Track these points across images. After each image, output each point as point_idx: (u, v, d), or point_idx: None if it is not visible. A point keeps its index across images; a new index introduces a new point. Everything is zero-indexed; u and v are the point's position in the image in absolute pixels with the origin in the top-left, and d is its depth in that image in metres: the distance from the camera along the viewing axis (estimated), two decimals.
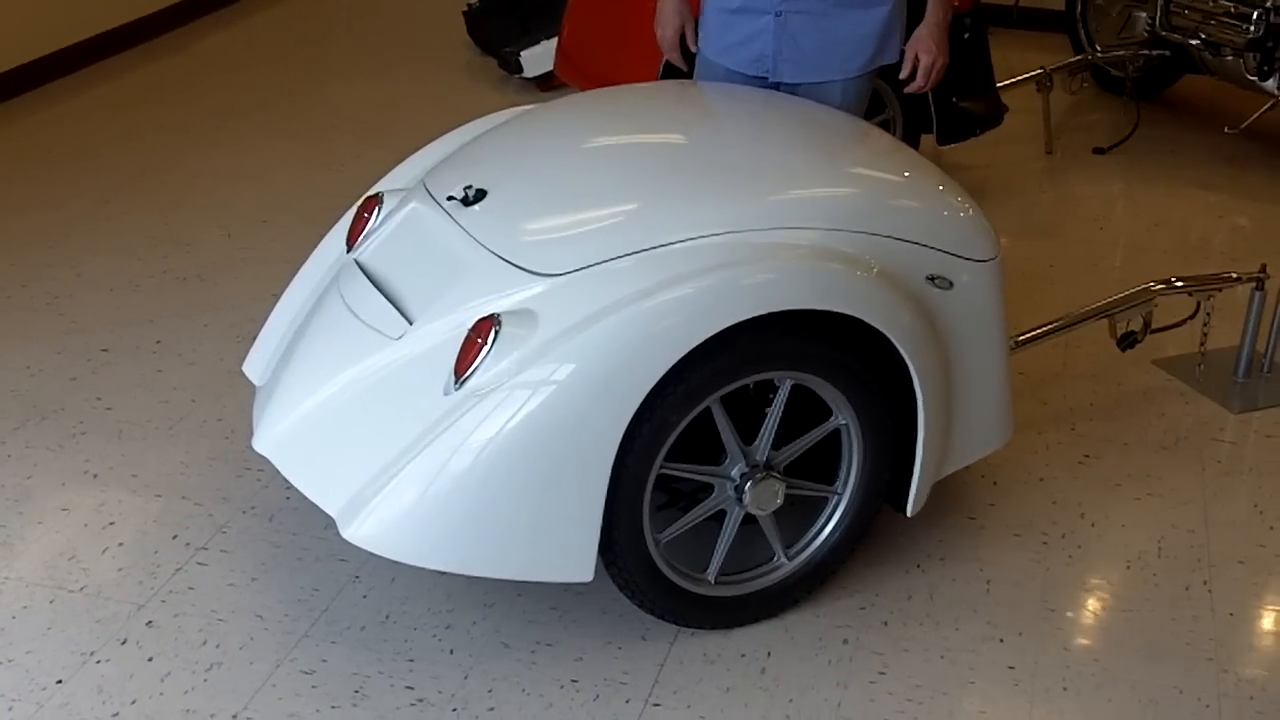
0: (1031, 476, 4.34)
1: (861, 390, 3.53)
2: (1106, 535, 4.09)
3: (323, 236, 4.12)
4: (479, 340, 3.28)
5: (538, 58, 7.71)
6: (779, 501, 3.57)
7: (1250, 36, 6.71)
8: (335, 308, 3.66)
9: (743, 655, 3.58)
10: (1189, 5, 7.07)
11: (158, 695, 3.40)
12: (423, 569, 3.35)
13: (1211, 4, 6.93)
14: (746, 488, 3.52)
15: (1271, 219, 6.40)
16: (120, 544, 3.93)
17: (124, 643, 3.57)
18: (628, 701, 3.43)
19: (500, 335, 3.26)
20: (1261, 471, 4.42)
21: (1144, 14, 7.53)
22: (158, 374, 4.83)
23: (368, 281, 3.65)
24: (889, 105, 6.09)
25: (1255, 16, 6.67)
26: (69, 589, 3.75)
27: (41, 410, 4.58)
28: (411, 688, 3.45)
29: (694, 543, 3.62)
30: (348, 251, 3.89)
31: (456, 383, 3.28)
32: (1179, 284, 4.71)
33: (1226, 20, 6.86)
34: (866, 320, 3.42)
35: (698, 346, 3.24)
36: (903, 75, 4.22)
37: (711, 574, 3.60)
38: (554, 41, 7.33)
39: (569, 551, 3.32)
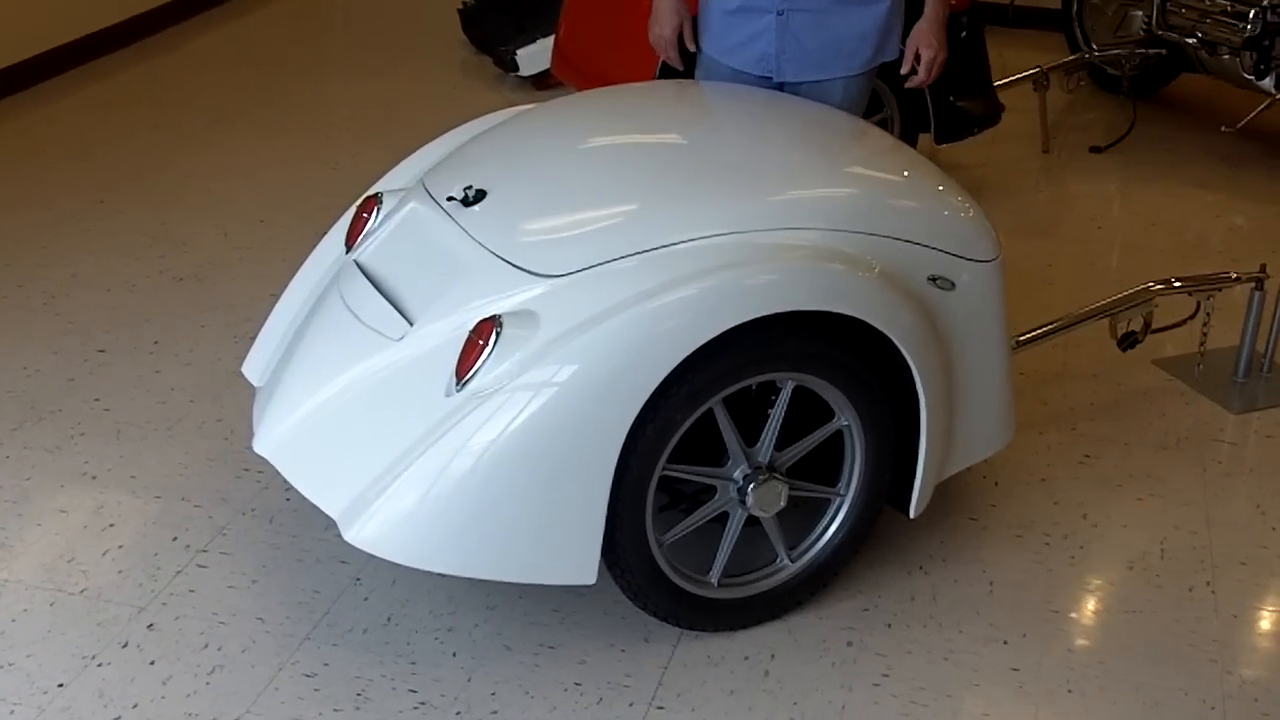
0: (1033, 477, 4.33)
1: (863, 391, 3.52)
2: (1108, 536, 4.08)
3: (319, 236, 4.11)
4: (480, 342, 3.26)
5: (533, 56, 7.70)
6: (782, 503, 3.56)
7: (1247, 35, 6.71)
8: (335, 309, 3.65)
9: (746, 658, 3.57)
10: (1185, 4, 7.06)
11: (159, 699, 3.39)
12: (424, 571, 3.33)
13: (1208, 3, 6.93)
14: (749, 489, 3.51)
15: (1268, 218, 6.40)
16: (120, 546, 3.92)
17: (125, 646, 3.55)
18: (631, 704, 3.42)
19: (502, 337, 3.25)
20: (1262, 472, 4.41)
21: (1140, 12, 7.53)
22: (155, 374, 4.81)
23: (367, 282, 3.64)
24: (887, 104, 6.09)
25: (1252, 15, 6.67)
26: (69, 591, 3.73)
27: (39, 411, 4.56)
28: (414, 691, 3.44)
29: (696, 545, 3.61)
30: (347, 252, 3.88)
31: (458, 384, 3.27)
32: (1178, 284, 4.70)
33: (1223, 19, 6.86)
34: (868, 321, 3.41)
35: (700, 348, 3.23)
36: (904, 71, 4.22)
37: (714, 576, 3.59)
38: (550, 40, 7.31)
39: (571, 554, 3.31)
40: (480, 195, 3.58)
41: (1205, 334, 4.86)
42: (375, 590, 3.77)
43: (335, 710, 3.37)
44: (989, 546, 4.02)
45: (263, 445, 3.54)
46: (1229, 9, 6.82)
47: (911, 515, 3.70)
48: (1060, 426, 4.62)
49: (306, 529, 3.98)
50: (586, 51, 6.72)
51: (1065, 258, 5.91)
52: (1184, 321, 4.84)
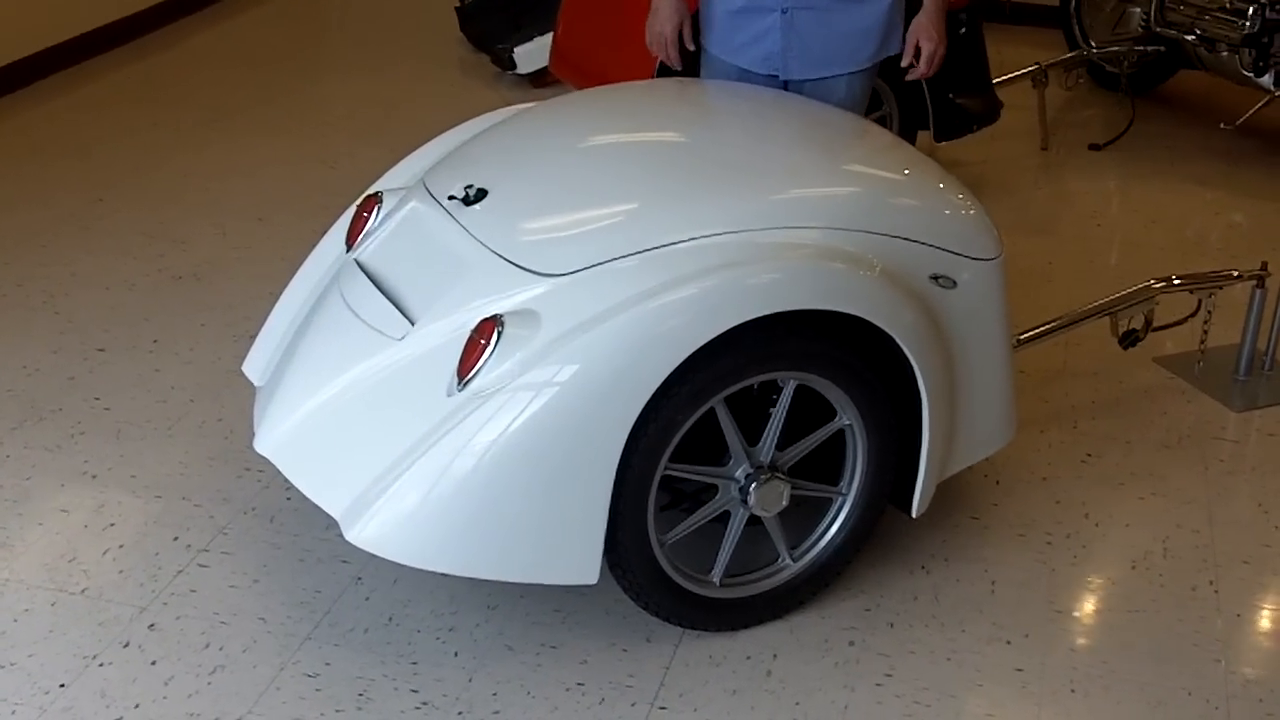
0: (1034, 476, 4.33)
1: (865, 390, 3.52)
2: (1111, 535, 4.08)
3: (318, 235, 4.10)
4: (482, 341, 3.26)
5: (531, 54, 7.69)
6: (784, 502, 3.55)
7: (1246, 32, 6.71)
8: (336, 308, 3.64)
9: (748, 657, 3.57)
10: (1184, 0, 7.06)
11: (161, 699, 3.38)
12: (425, 571, 3.32)
13: None
14: (751, 489, 3.51)
15: (1267, 215, 6.39)
16: (121, 546, 3.91)
17: (126, 646, 3.55)
18: (633, 705, 3.41)
19: (503, 336, 3.24)
20: (1264, 470, 4.41)
21: (1139, 9, 7.51)
22: (155, 373, 4.80)
23: (368, 281, 3.63)
24: (886, 102, 6.09)
25: (1251, 12, 6.68)
26: (70, 591, 3.73)
27: (39, 410, 4.55)
28: (416, 691, 3.43)
29: (698, 544, 3.60)
30: (347, 251, 3.87)
31: (459, 384, 3.26)
32: (1179, 282, 4.69)
33: (1222, 15, 6.86)
34: (870, 320, 3.40)
35: (702, 347, 3.23)
36: (904, 63, 4.22)
37: (716, 575, 3.58)
38: (547, 38, 7.31)
39: (574, 554, 3.30)
40: (481, 194, 3.58)
41: (1206, 332, 4.86)
42: (376, 590, 3.76)
43: (337, 710, 3.36)
44: (991, 546, 4.01)
45: (264, 445, 3.53)
46: (1228, 6, 6.82)
47: (914, 514, 3.70)
48: (1061, 425, 4.62)
49: (307, 528, 3.97)
50: (585, 49, 6.71)
51: (1064, 255, 5.90)
52: (1186, 319, 4.83)
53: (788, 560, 3.66)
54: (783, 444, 3.54)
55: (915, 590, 3.82)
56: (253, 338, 4.01)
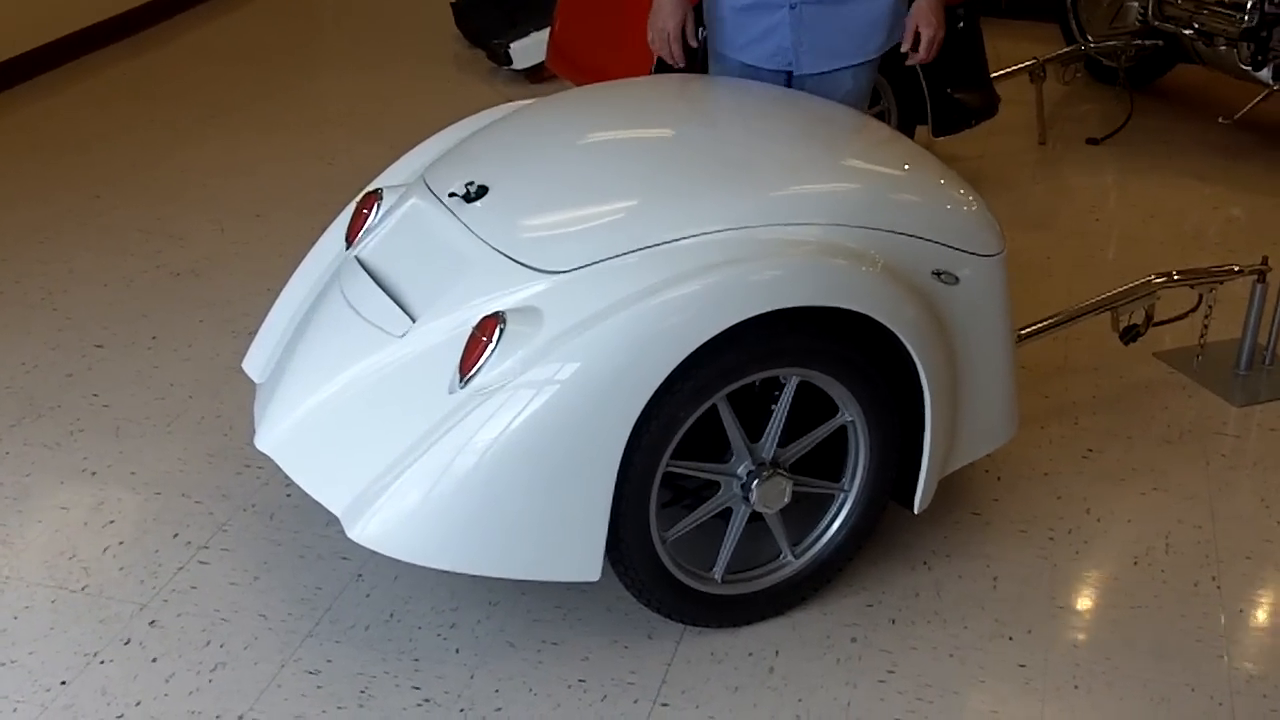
0: (1035, 471, 4.33)
1: (868, 386, 3.51)
2: (1112, 531, 4.07)
3: (316, 231, 4.09)
4: (484, 338, 3.25)
5: (527, 50, 7.69)
6: (786, 499, 3.55)
7: (1244, 26, 6.71)
8: (337, 305, 3.63)
9: (750, 654, 3.56)
10: None
11: (162, 696, 3.38)
12: (425, 567, 3.32)
13: None
14: (753, 485, 3.50)
15: (1265, 210, 6.39)
16: (121, 542, 3.90)
17: (127, 643, 3.54)
18: (635, 701, 3.41)
19: (505, 333, 3.23)
20: (1266, 465, 4.40)
21: (1136, 3, 7.51)
22: (154, 370, 4.79)
23: (369, 278, 3.62)
24: (884, 97, 6.08)
25: (1249, 6, 6.67)
26: (70, 588, 3.72)
27: (38, 407, 4.54)
28: (418, 688, 3.42)
29: (700, 541, 3.59)
30: (347, 248, 3.86)
31: (461, 381, 3.25)
32: (1180, 277, 4.69)
33: (1220, 10, 6.86)
34: (872, 316, 3.40)
35: (704, 344, 3.22)
36: (904, 48, 4.22)
37: (718, 572, 3.58)
38: (543, 33, 7.30)
39: (576, 550, 3.30)
40: (482, 191, 3.57)
41: (1206, 326, 4.85)
42: (377, 587, 3.75)
43: (339, 708, 3.35)
44: (993, 541, 4.01)
45: (265, 442, 3.52)
46: (1226, 0, 6.81)
47: (916, 510, 3.69)
48: (1062, 420, 4.61)
49: (307, 525, 3.97)
50: (583, 45, 6.70)
51: (1062, 250, 5.90)
52: (1187, 314, 4.83)
53: (789, 557, 3.65)
54: (785, 440, 3.54)
55: (917, 586, 3.82)
56: (251, 334, 4.00)
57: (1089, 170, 6.85)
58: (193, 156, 6.71)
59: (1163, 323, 4.71)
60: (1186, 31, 7.04)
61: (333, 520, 3.37)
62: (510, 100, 4.40)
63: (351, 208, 3.97)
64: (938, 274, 3.56)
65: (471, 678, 3.46)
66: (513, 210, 3.53)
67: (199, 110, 7.35)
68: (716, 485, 3.55)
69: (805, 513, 3.68)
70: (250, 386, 3.91)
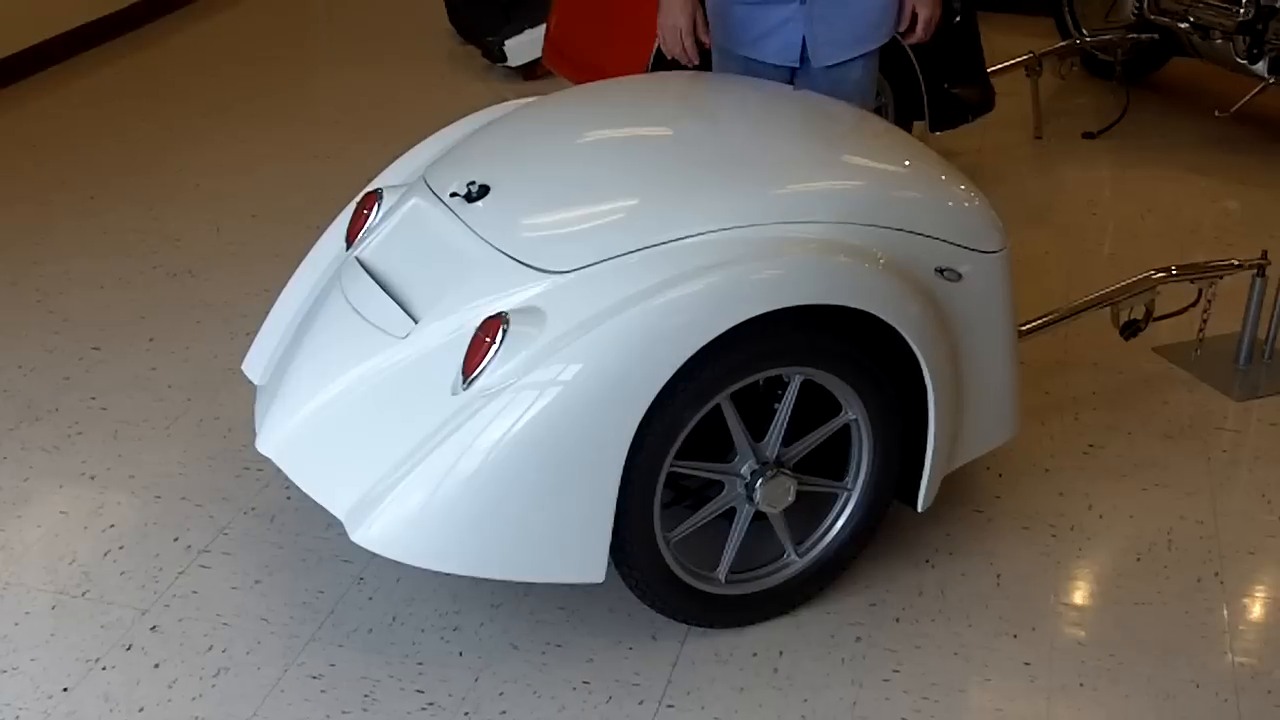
0: (1037, 468, 4.32)
1: (871, 385, 3.50)
2: (1115, 527, 4.07)
3: (313, 231, 4.09)
4: (487, 339, 3.24)
5: (522, 46, 7.66)
6: (790, 498, 3.54)
7: (1240, 19, 6.70)
8: (338, 306, 3.62)
9: (755, 654, 3.55)
10: None
11: (165, 702, 3.36)
12: (427, 570, 3.31)
13: None
14: (757, 485, 3.49)
15: (1262, 203, 6.39)
16: (121, 547, 3.89)
17: (129, 649, 3.53)
18: (641, 703, 3.40)
19: (509, 334, 3.22)
20: (1267, 460, 4.40)
21: None
22: (152, 372, 4.78)
23: (370, 279, 3.61)
24: (881, 92, 6.07)
25: None
26: (71, 594, 3.70)
27: (36, 411, 4.53)
28: (422, 691, 3.41)
29: (703, 541, 3.58)
30: (347, 249, 3.85)
31: (464, 382, 3.24)
32: (1179, 272, 4.68)
33: (1216, 3, 6.84)
34: (876, 314, 3.39)
35: (707, 344, 3.21)
36: (901, 29, 4.22)
37: (722, 572, 3.57)
38: (538, 30, 7.28)
39: (580, 552, 3.29)
40: (484, 191, 3.55)
41: (1205, 321, 4.84)
42: (379, 590, 3.74)
43: (344, 712, 3.34)
44: (995, 539, 4.00)
45: (266, 445, 3.51)
46: None
47: (920, 508, 3.69)
48: (1063, 416, 4.61)
49: (309, 527, 3.95)
50: (579, 41, 6.68)
51: (1060, 244, 5.89)
52: (1187, 309, 4.81)
53: (793, 556, 3.65)
54: (788, 440, 3.53)
55: (921, 585, 3.81)
56: (249, 335, 3.99)
57: (1085, 164, 6.84)
58: (187, 156, 6.69)
59: (1163, 317, 4.70)
60: (1182, 25, 7.04)
61: (334, 523, 3.35)
62: (506, 98, 4.39)
63: (351, 208, 3.96)
64: (940, 271, 3.56)
65: (475, 680, 3.45)
66: (515, 210, 3.52)
67: (193, 109, 7.33)
68: (720, 485, 3.54)
69: (809, 512, 3.67)
70: (249, 388, 3.90)
